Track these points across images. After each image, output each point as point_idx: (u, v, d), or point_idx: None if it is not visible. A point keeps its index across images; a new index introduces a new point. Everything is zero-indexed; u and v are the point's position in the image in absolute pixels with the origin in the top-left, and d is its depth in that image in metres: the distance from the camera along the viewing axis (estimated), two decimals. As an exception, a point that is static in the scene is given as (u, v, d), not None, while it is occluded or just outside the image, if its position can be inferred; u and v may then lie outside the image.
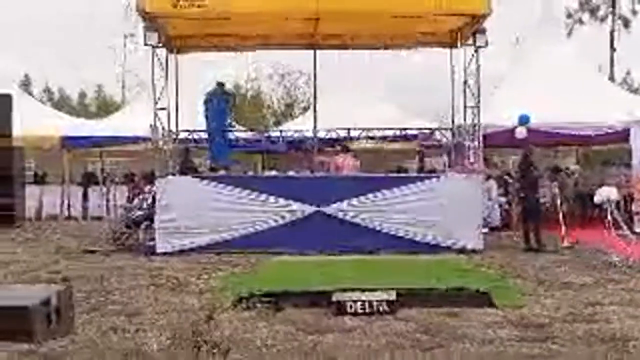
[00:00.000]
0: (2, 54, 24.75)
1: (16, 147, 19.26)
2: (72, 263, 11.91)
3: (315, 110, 16.23)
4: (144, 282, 9.87)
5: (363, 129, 18.90)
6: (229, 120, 16.42)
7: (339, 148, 17.16)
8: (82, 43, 56.48)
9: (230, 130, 17.17)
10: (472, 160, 14.41)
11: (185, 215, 13.38)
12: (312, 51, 15.58)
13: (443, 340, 6.52)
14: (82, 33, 56.81)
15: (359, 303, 7.64)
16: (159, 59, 14.29)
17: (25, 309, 6.51)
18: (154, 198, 13.97)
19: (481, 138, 14.54)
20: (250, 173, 17.35)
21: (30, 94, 38.86)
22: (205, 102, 15.67)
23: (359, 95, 23.74)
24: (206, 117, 15.75)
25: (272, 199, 13.48)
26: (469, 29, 14.15)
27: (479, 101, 14.27)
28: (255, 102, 44.59)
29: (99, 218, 20.79)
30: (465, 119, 14.71)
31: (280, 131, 21.96)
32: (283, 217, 13.43)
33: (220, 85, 15.91)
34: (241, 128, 23.71)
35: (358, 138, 19.49)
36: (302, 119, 26.96)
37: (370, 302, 7.66)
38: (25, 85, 45.81)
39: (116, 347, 6.18)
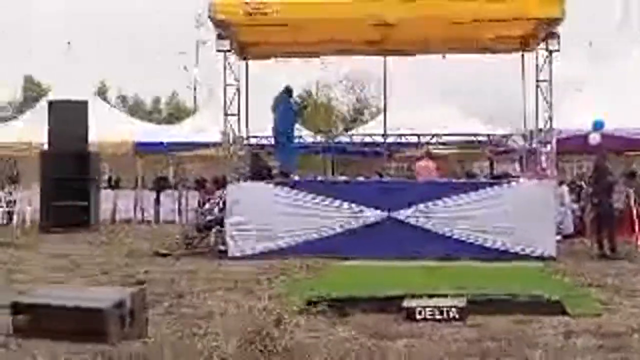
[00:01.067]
0: (79, 62, 25.35)
1: (92, 152, 19.69)
2: (145, 266, 12.10)
3: (385, 116, 16.20)
4: (214, 286, 9.96)
5: (434, 135, 18.77)
6: (295, 126, 16.38)
7: (421, 153, 17.05)
8: (156, 50, 57.43)
9: (298, 136, 17.20)
10: (544, 165, 14.17)
11: (255, 220, 13.49)
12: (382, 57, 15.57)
13: (514, 349, 6.41)
14: (156, 40, 57.83)
15: (428, 309, 7.57)
16: (230, 66, 14.44)
17: (100, 311, 6.65)
18: (224, 202, 14.12)
19: (554, 143, 14.29)
20: (320, 178, 17.37)
21: (105, 100, 39.67)
22: (273, 108, 15.72)
23: (427, 98, 23.62)
24: (274, 121, 15.80)
25: (342, 204, 13.49)
26: (541, 34, 13.92)
27: (551, 106, 14.03)
28: (325, 108, 44.72)
29: (171, 222, 21.12)
30: (537, 124, 14.48)
31: (350, 136, 21.98)
32: (353, 223, 13.43)
33: (288, 90, 15.91)
34: (311, 133, 23.84)
35: (427, 143, 19.40)
36: (372, 124, 26.94)
37: (440, 309, 7.57)
38: (102, 92, 46.73)
39: (188, 350, 6.25)
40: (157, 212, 23.09)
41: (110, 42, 63.35)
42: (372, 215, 13.38)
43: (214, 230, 14.32)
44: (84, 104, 19.92)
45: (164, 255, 13.59)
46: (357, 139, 20.87)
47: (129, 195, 23.35)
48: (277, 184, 14.02)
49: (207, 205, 15.78)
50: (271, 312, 6.32)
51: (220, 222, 14.11)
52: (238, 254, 13.26)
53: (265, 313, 6.34)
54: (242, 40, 15.07)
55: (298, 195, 13.60)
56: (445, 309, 7.57)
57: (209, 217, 14.84)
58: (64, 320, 6.75)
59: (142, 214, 22.96)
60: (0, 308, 7.91)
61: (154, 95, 56.81)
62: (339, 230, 13.43)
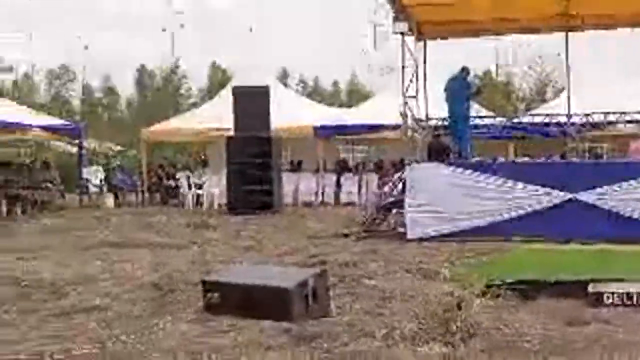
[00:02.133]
0: (258, 49, 26.16)
1: (274, 136, 20.22)
2: (326, 247, 12.34)
3: (569, 95, 15.65)
4: (394, 268, 10.00)
5: (622, 113, 17.87)
6: (471, 107, 15.98)
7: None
8: (333, 34, 58.26)
9: (477, 116, 16.85)
10: None
11: (435, 202, 13.41)
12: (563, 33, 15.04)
13: None
14: (333, 24, 58.61)
15: (616, 295, 7.28)
16: (407, 47, 14.42)
17: (285, 290, 6.87)
18: (404, 185, 14.14)
19: None
20: (502, 159, 17.03)
21: (286, 85, 40.66)
22: (445, 89, 15.44)
23: (611, 76, 22.57)
24: (447, 102, 15.49)
25: (524, 185, 13.17)
26: None
27: None
28: (505, 88, 43.78)
29: (351, 204, 21.39)
30: None
31: (532, 116, 21.38)
32: (535, 205, 13.06)
33: (464, 70, 15.60)
34: (490, 114, 23.39)
35: (616, 122, 18.54)
36: (554, 102, 26.08)
37: (629, 294, 7.26)
38: (283, 77, 47.97)
39: (369, 330, 6.34)
40: (337, 195, 23.45)
41: (291, 28, 64.95)
42: (555, 197, 12.97)
43: (393, 212, 14.38)
44: (266, 89, 20.48)
45: (345, 236, 13.79)
46: (538, 119, 20.22)
47: (310, 178, 23.84)
48: (457, 165, 13.87)
49: (386, 188, 15.87)
50: (451, 294, 6.28)
51: (400, 204, 14.15)
52: (417, 236, 13.24)
53: (446, 295, 6.31)
54: (420, 20, 14.99)
55: (479, 177, 13.39)
56: (635, 295, 7.25)
57: (388, 199, 14.92)
58: (250, 298, 7.03)
59: (323, 197, 23.39)
60: (193, 285, 8.37)
61: (333, 79, 57.66)
62: (520, 212, 13.10)
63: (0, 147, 28.86)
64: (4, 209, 20.07)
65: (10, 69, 47.23)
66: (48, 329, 6.80)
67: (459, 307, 6.03)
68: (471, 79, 16.21)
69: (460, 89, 15.23)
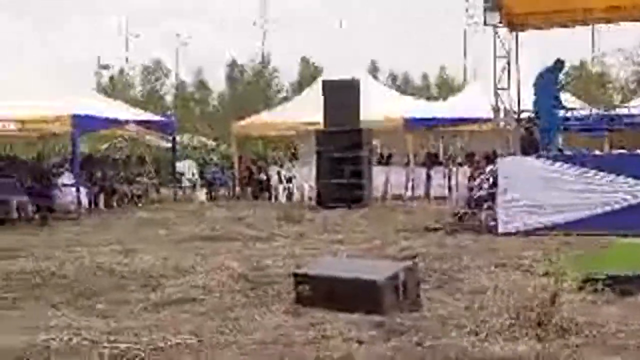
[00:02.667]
0: (348, 44, 26.18)
1: (364, 129, 20.20)
2: (416, 241, 12.29)
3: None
4: (485, 262, 9.91)
5: None
6: (559, 99, 15.45)
7: None
8: (425, 26, 57.88)
9: (563, 108, 16.37)
10: None
11: (527, 196, 13.20)
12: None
13: None
14: (425, 16, 58.21)
15: None
16: (500, 38, 14.22)
17: (375, 283, 6.88)
18: (495, 178, 13.97)
19: None
20: (596, 152, 16.62)
21: (376, 78, 40.58)
22: (535, 82, 15.03)
23: None
24: (535, 95, 15.09)
25: (620, 178, 12.84)
26: None
27: None
28: (600, 79, 42.68)
29: (442, 198, 21.24)
30: None
31: (629, 108, 20.78)
32: (632, 198, 12.72)
33: (559, 62, 15.20)
34: (585, 105, 22.86)
35: None
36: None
37: None
38: (373, 71, 47.90)
39: (459, 323, 6.30)
40: (427, 188, 23.32)
41: (381, 21, 64.83)
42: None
43: (484, 206, 14.22)
44: (356, 82, 20.48)
45: (435, 230, 13.72)
46: (636, 111, 19.64)
47: (399, 172, 23.77)
48: (550, 158, 13.61)
49: (477, 181, 15.70)
50: (545, 289, 6.18)
51: (491, 198, 13.99)
52: (509, 230, 13.06)
53: (539, 290, 6.21)
54: (512, 11, 14.76)
55: (573, 170, 13.12)
56: None
57: (479, 193, 14.76)
58: (341, 291, 7.07)
59: (413, 190, 23.29)
60: (284, 278, 8.47)
61: (423, 72, 57.26)
62: (616, 206, 12.78)
63: (98, 143, 29.77)
64: (102, 202, 20.68)
65: (107, 66, 48.61)
66: (143, 319, 6.98)
67: (553, 302, 5.92)
68: (562, 74, 15.58)
69: (548, 82, 14.83)
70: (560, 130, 15.74)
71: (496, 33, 14.14)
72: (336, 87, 20.25)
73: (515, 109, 15.37)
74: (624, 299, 7.22)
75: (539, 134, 15.12)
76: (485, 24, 13.91)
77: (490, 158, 15.54)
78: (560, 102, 15.22)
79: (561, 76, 15.46)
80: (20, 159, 22.08)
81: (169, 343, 6.08)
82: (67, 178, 19.30)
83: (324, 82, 21.37)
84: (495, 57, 14.23)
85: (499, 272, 9.17)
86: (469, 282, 8.48)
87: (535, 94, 14.97)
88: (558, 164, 13.26)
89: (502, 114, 14.41)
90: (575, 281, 7.03)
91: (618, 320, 6.37)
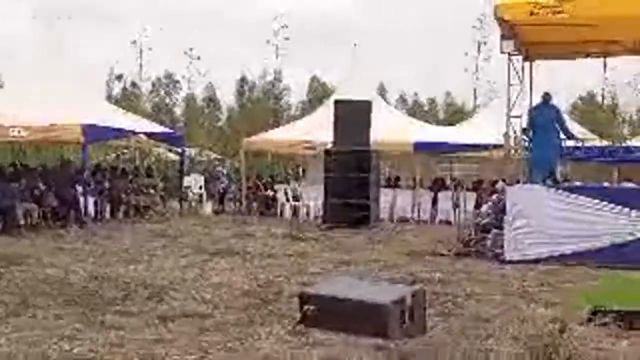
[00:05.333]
0: (360, 64, 26.21)
1: (372, 150, 20.18)
2: (422, 265, 12.25)
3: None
4: (492, 289, 9.88)
5: None
6: (554, 132, 15.16)
7: None
8: (435, 51, 58.06)
9: (579, 139, 16.25)
10: None
11: (535, 224, 13.16)
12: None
13: None
14: (436, 41, 58.40)
15: None
16: (513, 67, 14.26)
17: (382, 306, 6.85)
18: (503, 205, 13.94)
19: None
20: (606, 184, 16.60)
21: (385, 100, 40.64)
22: (529, 116, 14.91)
23: None
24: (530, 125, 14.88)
25: (627, 211, 12.79)
26: None
27: None
28: (609, 110, 42.71)
29: (448, 222, 21.19)
30: None
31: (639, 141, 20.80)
32: (639, 232, 12.68)
33: (547, 94, 14.82)
34: (594, 136, 22.87)
35: None
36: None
37: None
38: (381, 93, 48.05)
39: (466, 352, 6.25)
40: (433, 212, 23.27)
41: (392, 43, 65.05)
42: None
43: (491, 232, 14.17)
44: (368, 103, 20.48)
45: (442, 255, 13.67)
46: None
47: (406, 195, 23.73)
48: (559, 188, 13.58)
49: (484, 207, 15.65)
50: (553, 320, 6.14)
51: (499, 225, 13.95)
52: (516, 258, 13.01)
53: (547, 320, 6.18)
54: (527, 40, 14.79)
55: (581, 201, 13.08)
56: None
57: (486, 219, 14.73)
58: (346, 313, 7.04)
59: (419, 214, 23.24)
60: (289, 296, 8.45)
61: (430, 96, 57.35)
62: (627, 238, 12.73)
63: (107, 153, 29.82)
64: (108, 212, 20.67)
65: (120, 77, 48.78)
66: (149, 332, 6.96)
67: (562, 333, 5.88)
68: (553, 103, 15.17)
69: (543, 116, 14.59)
70: (567, 160, 15.68)
71: (510, 61, 14.17)
72: (348, 107, 20.26)
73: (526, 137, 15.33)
74: (632, 333, 7.17)
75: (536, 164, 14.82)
76: (501, 52, 13.94)
77: (498, 185, 15.49)
78: (567, 130, 15.13)
79: (557, 106, 15.16)
80: (29, 167, 22.04)
81: (171, 357, 6.06)
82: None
83: (336, 101, 21.35)
84: (509, 84, 14.25)
85: (505, 299, 9.13)
86: (475, 309, 8.44)
87: (530, 126, 14.77)
88: (568, 194, 13.23)
89: (512, 142, 14.39)
90: (585, 313, 6.99)
91: (625, 355, 6.32)
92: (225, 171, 29.98)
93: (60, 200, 18.02)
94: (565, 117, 16.98)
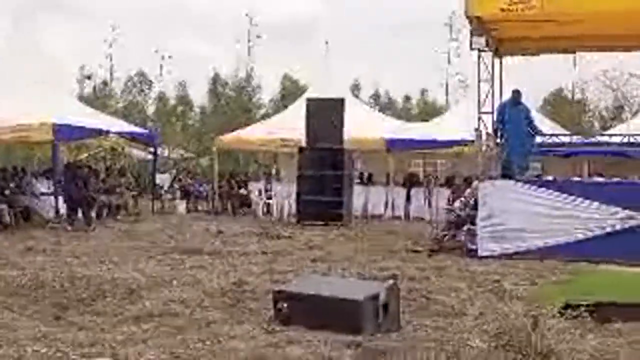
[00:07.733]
0: (332, 62, 26.26)
1: (346, 148, 20.20)
2: (396, 261, 12.26)
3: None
4: (465, 285, 9.93)
5: None
6: (532, 124, 15.23)
7: None
8: (407, 48, 58.16)
9: (550, 135, 16.29)
10: None
11: (507, 220, 13.24)
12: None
13: None
14: (408, 38, 58.50)
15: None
16: (484, 63, 14.31)
17: (356, 303, 6.85)
18: (475, 201, 14.00)
19: None
20: (575, 178, 16.72)
21: (358, 98, 40.64)
22: (499, 112, 14.86)
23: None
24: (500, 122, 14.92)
25: (597, 205, 12.90)
26: None
27: None
28: (579, 106, 43.03)
29: (421, 219, 21.25)
30: None
31: (609, 135, 20.98)
32: (609, 225, 12.78)
33: (516, 92, 14.80)
34: (564, 131, 23.07)
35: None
36: (633, 122, 25.52)
37: None
38: (355, 90, 47.98)
39: (439, 347, 6.28)
40: (407, 209, 23.34)
41: (365, 41, 65.13)
42: (628, 217, 12.66)
43: (464, 228, 14.24)
44: (341, 101, 20.46)
45: (415, 251, 13.70)
46: (616, 139, 19.82)
47: (380, 192, 23.78)
48: (531, 183, 13.66)
49: (457, 203, 15.70)
50: (526, 315, 6.18)
51: (471, 221, 14.01)
52: (488, 253, 13.08)
53: (519, 315, 6.21)
54: (498, 36, 14.86)
55: (551, 196, 13.18)
56: None
57: (459, 215, 14.78)
58: (320, 310, 7.04)
59: (393, 210, 23.30)
60: (263, 294, 8.43)
61: (405, 93, 57.43)
62: (595, 232, 12.83)
63: (79, 153, 29.55)
64: (80, 212, 20.49)
65: (90, 76, 48.28)
66: (120, 332, 6.91)
67: (534, 328, 5.92)
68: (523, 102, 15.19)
69: (514, 113, 14.63)
70: (539, 155, 15.79)
71: (481, 57, 14.21)
72: (321, 106, 20.24)
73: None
74: (604, 326, 7.23)
75: (511, 160, 14.87)
76: (471, 48, 13.96)
77: (471, 181, 15.55)
78: (535, 128, 15.18)
79: (525, 102, 15.17)
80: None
81: (144, 357, 6.02)
82: (45, 186, 19.16)
83: (308, 100, 21.33)
84: (479, 81, 14.30)
85: (478, 295, 9.18)
86: (448, 305, 8.47)
87: (500, 123, 14.79)
88: (538, 189, 13.31)
89: (484, 138, 14.44)
90: (557, 307, 7.04)
91: (597, 348, 6.38)
92: (198, 170, 29.88)
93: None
94: (534, 113, 17.11)
